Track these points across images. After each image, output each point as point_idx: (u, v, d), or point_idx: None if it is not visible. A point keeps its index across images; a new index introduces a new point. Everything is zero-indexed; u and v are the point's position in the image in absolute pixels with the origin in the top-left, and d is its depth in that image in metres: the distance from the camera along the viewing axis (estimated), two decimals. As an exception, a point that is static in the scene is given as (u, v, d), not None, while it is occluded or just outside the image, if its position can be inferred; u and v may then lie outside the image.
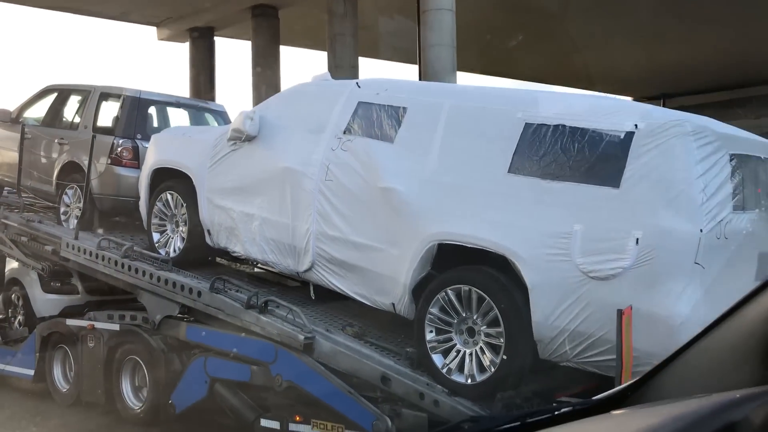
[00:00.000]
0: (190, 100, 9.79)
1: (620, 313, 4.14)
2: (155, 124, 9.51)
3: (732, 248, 4.60)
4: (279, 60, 21.70)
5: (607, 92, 33.70)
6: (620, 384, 4.00)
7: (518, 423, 2.05)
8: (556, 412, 2.10)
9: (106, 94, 9.13)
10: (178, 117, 9.96)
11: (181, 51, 24.54)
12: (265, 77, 21.04)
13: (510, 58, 23.38)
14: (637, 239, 4.43)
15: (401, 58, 24.22)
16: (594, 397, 2.11)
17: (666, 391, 1.92)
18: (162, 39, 24.64)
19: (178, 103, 9.47)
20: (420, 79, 15.76)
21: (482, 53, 18.42)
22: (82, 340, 7.99)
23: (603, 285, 4.53)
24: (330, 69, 17.39)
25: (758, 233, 4.91)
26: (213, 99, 22.98)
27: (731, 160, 4.66)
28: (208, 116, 9.87)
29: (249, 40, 21.57)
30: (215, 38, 23.68)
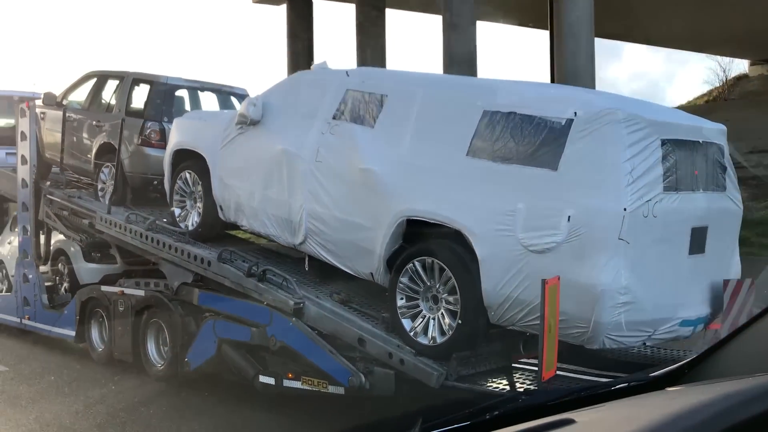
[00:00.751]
0: (215, 84, 10.46)
1: (544, 282, 4.66)
2: (188, 107, 10.30)
3: (662, 225, 5.05)
4: (385, 23, 21.17)
5: (725, 55, 32.13)
6: (543, 344, 4.56)
7: (574, 396, 2.09)
8: (612, 387, 2.17)
9: (137, 80, 9.93)
10: (210, 101, 10.70)
11: (278, 14, 24.32)
12: (370, 42, 20.90)
13: (631, 21, 22.38)
14: (569, 217, 4.93)
15: (527, 21, 23.34)
16: (651, 374, 2.19)
17: (723, 370, 1.95)
18: (257, 2, 24.68)
19: (202, 88, 10.20)
20: (552, 45, 16.07)
21: (605, 16, 17.75)
22: (114, 304, 8.86)
23: (540, 258, 5.05)
24: (445, 30, 17.12)
25: (692, 211, 5.34)
26: (310, 66, 23.01)
27: (663, 145, 5.09)
28: (234, 100, 10.58)
29: (351, 2, 21.33)
30: (314, 0, 23.34)
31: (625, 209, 4.83)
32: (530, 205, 5.15)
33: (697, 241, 5.38)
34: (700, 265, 5.49)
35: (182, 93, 10.43)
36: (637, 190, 4.89)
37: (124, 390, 8.21)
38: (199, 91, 10.56)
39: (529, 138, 5.31)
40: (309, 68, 24.01)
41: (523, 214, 5.15)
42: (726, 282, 5.57)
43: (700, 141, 5.48)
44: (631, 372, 5.87)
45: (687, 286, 5.40)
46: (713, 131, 5.73)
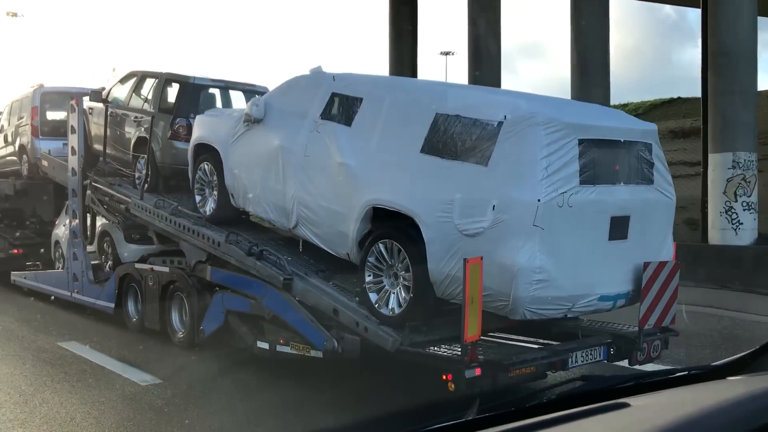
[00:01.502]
0: (238, 83, 11.52)
1: (465, 261, 5.51)
2: (219, 104, 11.40)
3: (578, 214, 5.82)
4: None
5: None
6: (465, 312, 5.43)
7: (632, 383, 2.13)
8: (672, 376, 2.20)
9: (169, 80, 11.07)
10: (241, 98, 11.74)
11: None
12: (484, 16, 21.19)
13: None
14: (494, 206, 5.77)
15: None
16: (712, 364, 2.23)
17: None
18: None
19: (226, 87, 11.27)
20: (704, 22, 17.22)
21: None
22: (145, 280, 10.07)
23: (472, 241, 5.90)
24: (573, 6, 18.41)
25: (612, 202, 6.09)
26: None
27: (580, 144, 5.85)
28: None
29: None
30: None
31: (539, 200, 5.63)
32: (465, 196, 6.00)
33: (618, 228, 6.13)
34: (623, 249, 6.24)
35: (215, 91, 11.57)
36: (551, 184, 5.68)
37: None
38: (230, 90, 11.69)
39: (468, 137, 6.15)
40: (413, 52, 25.37)
41: (459, 204, 6.01)
42: (646, 264, 6.30)
43: (622, 140, 6.22)
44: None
45: (607, 266, 6.16)
46: (640, 131, 6.45)
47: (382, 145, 6.91)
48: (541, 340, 6.96)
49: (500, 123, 5.94)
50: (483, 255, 5.69)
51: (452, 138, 6.27)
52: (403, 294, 6.56)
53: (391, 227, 6.70)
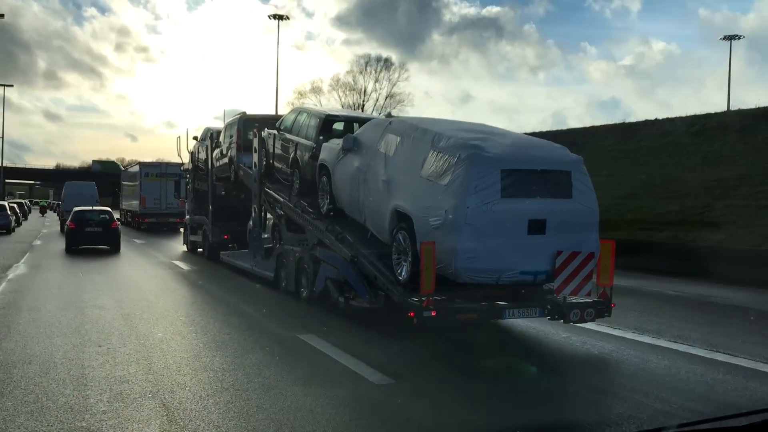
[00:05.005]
0: (359, 117, 15.57)
1: (420, 244, 9.07)
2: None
3: (499, 217, 9.09)
4: None
5: None
6: (422, 275, 9.06)
7: None
8: None
9: (314, 114, 15.43)
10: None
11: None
12: None
13: None
14: (446, 210, 9.26)
15: None
16: None
17: None
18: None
19: (351, 120, 15.39)
20: None
21: None
22: (287, 256, 14.53)
23: (435, 231, 9.42)
24: None
25: (529, 210, 9.27)
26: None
27: (502, 172, 9.12)
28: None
29: None
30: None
31: (468, 207, 9.02)
32: (433, 203, 9.54)
33: (536, 226, 9.27)
34: (542, 241, 9.35)
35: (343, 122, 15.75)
36: (479, 198, 9.02)
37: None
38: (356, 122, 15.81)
39: (442, 166, 9.65)
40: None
41: (431, 208, 9.56)
42: (558, 252, 9.37)
43: (539, 169, 9.37)
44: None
45: (527, 252, 9.31)
46: (558, 162, 9.52)
47: (402, 168, 10.61)
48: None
49: (458, 158, 9.40)
50: (439, 241, 9.21)
51: (435, 166, 9.82)
52: (409, 266, 10.20)
53: (404, 222, 10.38)
